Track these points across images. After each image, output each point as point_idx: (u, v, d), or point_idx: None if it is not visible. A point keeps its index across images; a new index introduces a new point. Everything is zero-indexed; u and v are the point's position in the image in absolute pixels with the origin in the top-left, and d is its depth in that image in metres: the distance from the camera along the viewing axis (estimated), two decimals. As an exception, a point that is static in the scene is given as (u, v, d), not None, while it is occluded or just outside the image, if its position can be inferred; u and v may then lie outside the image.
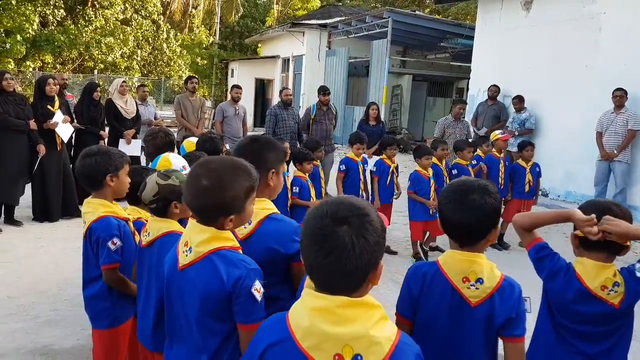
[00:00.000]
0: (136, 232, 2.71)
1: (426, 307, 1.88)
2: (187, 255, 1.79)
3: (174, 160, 3.02)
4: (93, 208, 2.66)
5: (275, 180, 2.15)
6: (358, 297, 1.30)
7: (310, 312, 1.30)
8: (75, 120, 7.27)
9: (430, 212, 5.89)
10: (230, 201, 1.75)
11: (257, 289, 1.71)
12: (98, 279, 2.67)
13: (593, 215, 2.06)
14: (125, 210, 2.83)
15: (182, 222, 2.45)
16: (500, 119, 9.96)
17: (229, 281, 1.70)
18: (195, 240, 1.77)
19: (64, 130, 6.82)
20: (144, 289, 2.42)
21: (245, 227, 2.01)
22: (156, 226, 2.37)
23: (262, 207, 2.05)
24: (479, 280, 1.81)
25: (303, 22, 20.62)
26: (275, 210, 2.10)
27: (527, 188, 6.78)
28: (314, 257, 1.29)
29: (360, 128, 8.61)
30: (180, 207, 2.38)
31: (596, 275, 2.12)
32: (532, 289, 2.37)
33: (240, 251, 1.81)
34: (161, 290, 2.21)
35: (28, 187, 6.80)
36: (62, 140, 6.85)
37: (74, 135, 7.26)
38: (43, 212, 6.82)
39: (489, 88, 10.31)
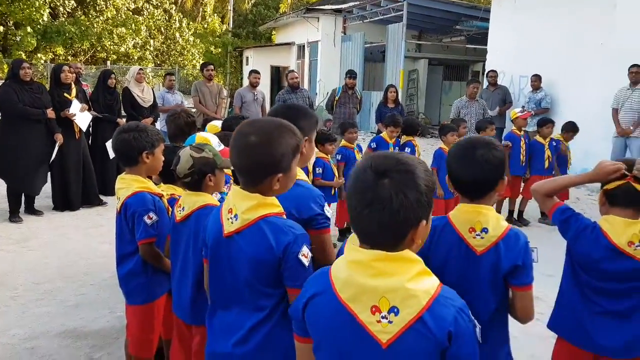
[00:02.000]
0: (170, 208, 2.70)
1: (435, 256, 1.91)
2: (232, 223, 1.77)
3: (211, 138, 3.00)
4: (127, 184, 2.65)
5: (308, 148, 2.13)
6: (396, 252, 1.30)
7: (348, 264, 1.33)
8: (92, 109, 7.27)
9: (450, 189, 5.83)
10: (279, 158, 1.72)
11: (305, 254, 1.72)
12: (133, 254, 2.67)
13: (620, 165, 2.14)
14: (159, 188, 2.82)
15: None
16: (506, 102, 9.97)
17: (279, 248, 1.70)
18: (241, 207, 1.75)
19: (82, 118, 6.81)
20: (179, 263, 2.40)
21: None
22: (191, 200, 2.36)
23: None
24: (484, 230, 1.85)
25: (317, 7, 20.44)
26: (303, 177, 2.09)
27: (546, 164, 6.81)
28: (354, 208, 1.31)
29: (379, 111, 8.59)
30: (214, 180, 2.39)
31: (623, 231, 2.14)
32: (552, 262, 2.37)
33: (285, 216, 1.80)
34: (200, 262, 2.21)
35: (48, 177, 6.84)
36: (81, 129, 6.85)
37: (91, 123, 7.26)
38: (63, 202, 6.85)
39: (487, 74, 10.34)
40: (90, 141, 7.44)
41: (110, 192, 7.17)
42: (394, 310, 1.26)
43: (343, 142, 5.88)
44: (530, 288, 1.86)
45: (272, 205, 1.78)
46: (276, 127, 1.76)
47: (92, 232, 5.96)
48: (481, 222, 1.85)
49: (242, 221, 1.75)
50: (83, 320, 3.83)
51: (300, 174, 2.09)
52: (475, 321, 1.34)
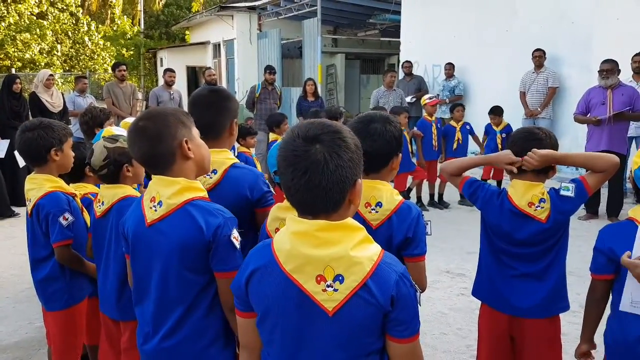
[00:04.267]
0: (84, 209, 2.59)
1: None
2: (156, 210, 1.72)
3: (119, 132, 2.91)
4: (38, 184, 2.52)
5: (235, 130, 2.13)
6: (339, 220, 1.32)
7: (291, 236, 1.32)
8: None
9: None
10: (174, 124, 1.72)
11: (236, 237, 1.71)
12: (48, 258, 2.54)
13: (518, 159, 2.26)
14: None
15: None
16: (421, 90, 10.34)
17: (209, 230, 1.68)
18: (166, 193, 1.71)
19: (-14, 127, 6.42)
20: (103, 259, 2.33)
21: (210, 177, 2.01)
22: (110, 193, 2.29)
23: (225, 157, 2.05)
24: (378, 204, 1.90)
25: (231, 5, 20.18)
26: (237, 160, 2.09)
27: (455, 146, 7.16)
28: (290, 179, 1.30)
29: (299, 104, 8.66)
30: (132, 170, 2.32)
31: (524, 193, 2.27)
32: (473, 240, 2.47)
33: (209, 201, 1.78)
34: (123, 256, 2.14)
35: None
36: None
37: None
38: (-30, 215, 6.43)
39: (402, 65, 10.75)
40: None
41: (22, 202, 6.78)
42: (339, 278, 1.28)
43: (274, 137, 5.82)
44: (421, 259, 1.92)
45: (198, 189, 1.76)
46: (158, 109, 1.83)
47: (5, 244, 5.64)
48: (375, 196, 1.90)
49: (167, 207, 1.71)
50: (1, 334, 3.63)
51: (232, 157, 2.10)
52: (416, 286, 1.38)
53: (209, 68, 8.91)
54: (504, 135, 7.11)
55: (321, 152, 1.27)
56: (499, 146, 7.09)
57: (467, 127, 7.28)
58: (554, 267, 2.30)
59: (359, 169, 1.35)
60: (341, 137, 1.31)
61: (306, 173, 1.27)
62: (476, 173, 7.27)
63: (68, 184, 2.78)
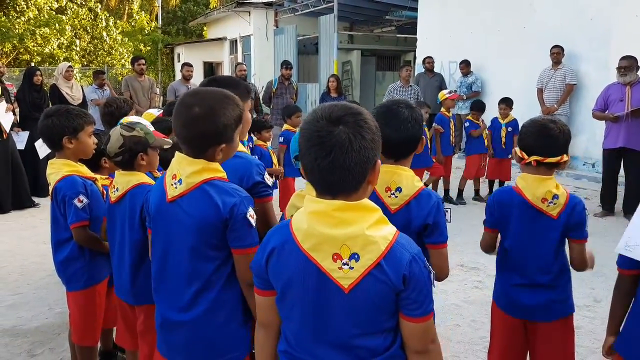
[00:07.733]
0: (104, 192, 2.65)
1: None
2: (176, 188, 1.78)
3: (140, 121, 2.96)
4: (56, 168, 2.59)
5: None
6: (357, 200, 1.34)
7: (309, 215, 1.36)
8: (18, 108, 6.98)
9: None
10: (222, 129, 1.75)
11: (252, 215, 1.76)
12: (69, 240, 2.61)
13: None
14: None
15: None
16: (441, 89, 10.11)
17: (225, 208, 1.72)
18: (186, 171, 1.76)
19: (7, 118, 6.53)
20: (117, 245, 2.38)
21: None
22: (124, 180, 2.33)
23: None
24: (398, 189, 1.92)
25: (248, 1, 20.27)
26: (242, 149, 2.10)
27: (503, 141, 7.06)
28: (313, 160, 1.32)
29: (323, 100, 8.76)
30: (146, 159, 2.36)
31: (537, 188, 2.25)
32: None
33: (228, 182, 1.82)
34: (136, 241, 2.20)
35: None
36: (5, 130, 6.55)
37: (16, 122, 6.97)
38: (-7, 204, 6.54)
39: (424, 60, 10.62)
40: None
41: (42, 193, 6.94)
42: (354, 256, 1.31)
43: (286, 126, 5.87)
44: (443, 246, 1.93)
45: (216, 170, 1.80)
46: (219, 98, 1.78)
47: (26, 234, 5.74)
48: (396, 181, 1.92)
49: (186, 185, 1.76)
50: (21, 319, 3.71)
51: (240, 146, 2.10)
52: (430, 267, 1.40)
53: (241, 63, 8.98)
54: (509, 129, 7.01)
55: (345, 133, 1.30)
56: (503, 139, 7.02)
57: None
58: (562, 272, 2.33)
59: (379, 150, 1.38)
60: (363, 119, 1.34)
61: (330, 153, 1.29)
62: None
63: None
